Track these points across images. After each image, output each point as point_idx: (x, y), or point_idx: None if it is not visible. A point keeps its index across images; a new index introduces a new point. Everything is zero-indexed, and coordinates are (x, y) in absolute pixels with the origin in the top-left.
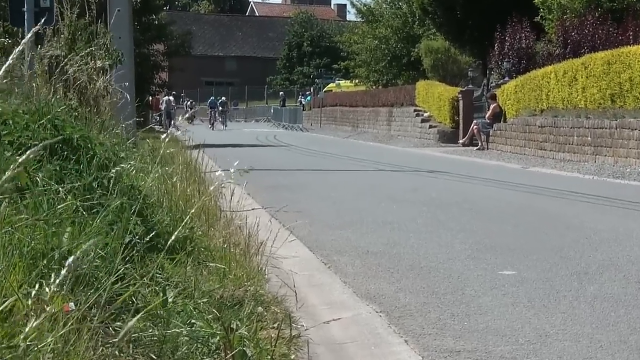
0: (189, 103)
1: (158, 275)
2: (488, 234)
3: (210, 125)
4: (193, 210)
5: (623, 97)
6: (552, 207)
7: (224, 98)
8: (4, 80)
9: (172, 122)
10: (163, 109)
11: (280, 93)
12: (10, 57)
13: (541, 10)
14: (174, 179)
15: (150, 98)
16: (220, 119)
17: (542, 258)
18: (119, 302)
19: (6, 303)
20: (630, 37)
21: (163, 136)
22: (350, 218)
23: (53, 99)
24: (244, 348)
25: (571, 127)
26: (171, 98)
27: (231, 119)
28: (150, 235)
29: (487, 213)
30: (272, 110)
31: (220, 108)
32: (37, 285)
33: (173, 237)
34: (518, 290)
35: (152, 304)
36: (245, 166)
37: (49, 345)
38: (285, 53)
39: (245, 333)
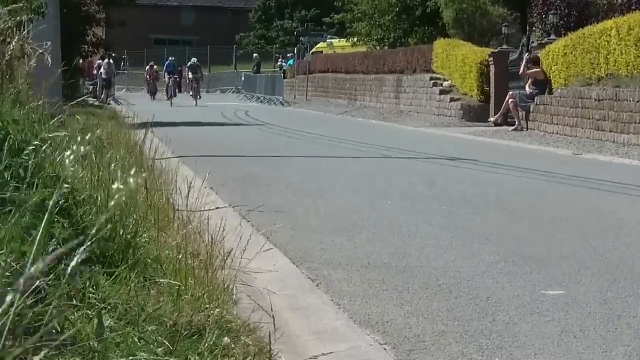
0: (149, 69)
1: (92, 295)
2: (527, 241)
3: (167, 98)
4: (137, 209)
5: None
6: (611, 206)
7: (194, 60)
8: None
9: (111, 93)
10: (99, 75)
11: (254, 55)
12: None
13: None
14: (113, 168)
15: (82, 61)
16: (190, 91)
17: (598, 273)
18: (40, 332)
19: None
20: None
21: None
22: (346, 220)
23: None
24: None
25: (638, 101)
26: (111, 62)
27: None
28: (81, 241)
29: (527, 214)
30: (242, 78)
31: (190, 74)
32: None
33: (112, 246)
34: (567, 316)
35: (84, 334)
36: (207, 151)
37: None
38: (260, 2)
39: None
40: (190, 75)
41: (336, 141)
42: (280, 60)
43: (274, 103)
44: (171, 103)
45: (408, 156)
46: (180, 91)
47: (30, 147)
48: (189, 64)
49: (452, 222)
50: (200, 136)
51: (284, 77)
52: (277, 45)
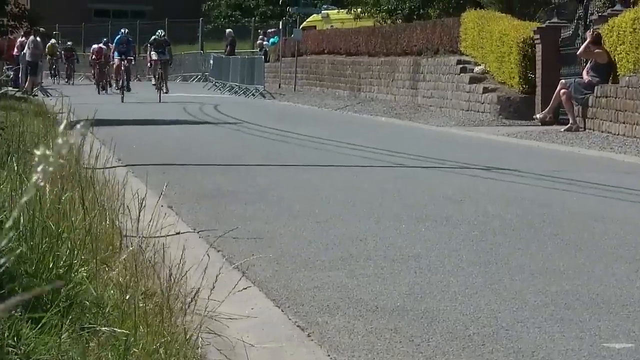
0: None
1: (11, 348)
2: (585, 278)
3: (118, 88)
4: (72, 236)
5: None
6: None
7: (161, 33)
8: None
9: (38, 81)
10: (22, 57)
11: (227, 32)
12: None
13: None
14: (38, 180)
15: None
16: (152, 79)
17: None
18: None
19: None
20: None
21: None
22: (347, 250)
23: None
24: None
25: None
26: (38, 39)
27: (140, 76)
28: None
29: (583, 242)
30: (211, 62)
31: (153, 55)
32: None
33: (38, 281)
34: None
35: None
36: (165, 158)
37: None
38: None
39: None
40: (155, 57)
41: (333, 145)
42: (260, 37)
43: (253, 94)
44: (123, 97)
45: (428, 165)
46: (130, 79)
47: None
48: (152, 38)
49: (486, 252)
50: (155, 139)
51: (266, 61)
52: (256, 18)
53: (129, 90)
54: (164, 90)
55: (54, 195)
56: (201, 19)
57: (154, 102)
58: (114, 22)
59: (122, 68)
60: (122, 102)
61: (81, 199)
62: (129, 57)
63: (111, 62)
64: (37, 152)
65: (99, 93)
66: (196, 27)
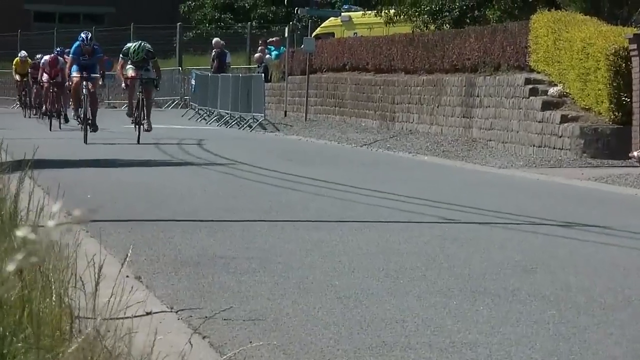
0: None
1: None
2: None
3: (78, 122)
4: (5, 316)
5: None
6: None
7: (142, 44)
8: None
9: None
10: None
11: (214, 41)
12: None
13: None
14: None
15: None
16: (130, 107)
17: None
18: None
19: None
20: None
21: None
22: (377, 335)
23: None
24: None
25: None
26: None
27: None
28: None
29: None
30: (192, 82)
31: (130, 72)
32: None
33: None
34: None
35: None
36: (131, 211)
37: None
38: None
39: None
40: (132, 72)
41: (358, 194)
42: (259, 49)
43: (250, 126)
44: (86, 136)
45: (487, 221)
46: (96, 110)
47: None
48: (128, 47)
49: (567, 339)
50: (119, 186)
51: (267, 80)
52: (254, 23)
53: (94, 128)
54: (145, 127)
55: None
56: (179, 24)
57: (131, 142)
58: (60, 27)
59: (85, 91)
60: (85, 143)
61: (16, 263)
62: (92, 75)
63: (67, 82)
64: None
65: (51, 127)
66: (172, 36)
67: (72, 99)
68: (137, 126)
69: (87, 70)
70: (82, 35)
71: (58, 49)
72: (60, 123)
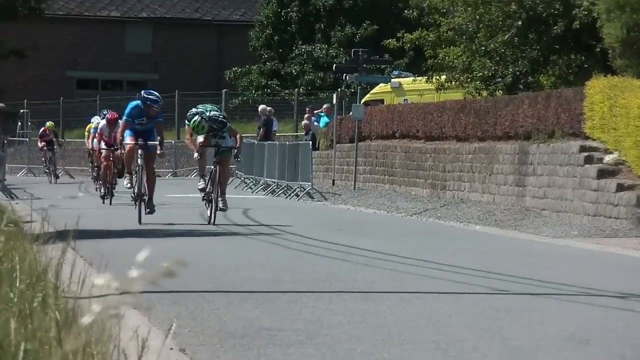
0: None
1: None
2: None
3: (132, 198)
4: None
5: None
6: None
7: (208, 115)
8: None
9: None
10: None
11: (260, 108)
12: None
13: None
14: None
15: None
16: (201, 180)
17: None
18: None
19: None
20: None
21: None
22: None
23: None
24: None
25: None
26: None
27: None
28: None
29: None
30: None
31: (200, 138)
32: None
33: None
34: None
35: None
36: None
37: None
38: (270, 12)
39: None
40: (202, 139)
41: (409, 264)
42: (306, 116)
43: (297, 195)
44: (140, 216)
45: (541, 292)
46: (153, 185)
47: None
48: (192, 123)
49: None
50: (162, 257)
51: (315, 148)
52: (301, 90)
53: (150, 209)
54: (220, 205)
55: (22, 337)
56: (225, 90)
57: (200, 224)
58: (103, 94)
59: (140, 162)
60: (140, 223)
61: (58, 340)
62: (150, 142)
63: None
64: None
65: (104, 202)
66: (218, 103)
67: (126, 168)
68: (208, 204)
69: (142, 136)
70: (145, 94)
71: (105, 114)
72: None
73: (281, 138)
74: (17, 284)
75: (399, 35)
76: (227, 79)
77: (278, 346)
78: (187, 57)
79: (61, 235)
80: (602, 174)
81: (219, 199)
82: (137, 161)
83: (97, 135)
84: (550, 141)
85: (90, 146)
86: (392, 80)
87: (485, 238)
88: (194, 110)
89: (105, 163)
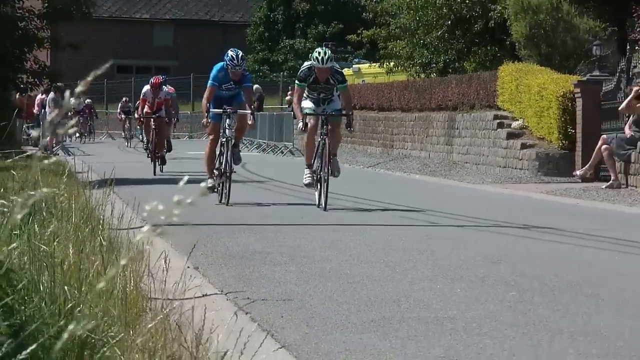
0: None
1: None
2: (629, 340)
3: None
4: (95, 293)
5: None
6: None
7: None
8: None
9: (59, 140)
10: (42, 115)
11: (255, 87)
12: None
13: None
14: (62, 242)
15: (19, 96)
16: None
17: None
18: None
19: None
20: None
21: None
22: (378, 311)
23: None
24: None
25: None
26: (58, 97)
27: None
28: (21, 347)
29: (628, 303)
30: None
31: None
32: None
33: (59, 345)
34: None
35: None
36: (191, 217)
37: None
38: (262, 15)
39: None
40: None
41: (365, 204)
42: (289, 93)
43: (282, 152)
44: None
45: (463, 224)
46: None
47: None
48: (314, 53)
49: (524, 314)
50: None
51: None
52: (284, 74)
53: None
54: (334, 174)
55: (78, 258)
56: None
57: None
58: (137, 77)
59: (227, 133)
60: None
61: (103, 260)
62: (240, 110)
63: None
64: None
65: (155, 173)
66: None
67: (206, 154)
68: (318, 184)
69: (228, 104)
70: (231, 53)
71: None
72: (160, 167)
73: (270, 109)
74: (73, 220)
75: (358, 32)
76: None
77: (268, 265)
78: (200, 48)
79: (104, 183)
80: (510, 136)
81: (325, 172)
82: (225, 132)
83: (140, 100)
84: (472, 112)
85: (138, 113)
86: (353, 66)
87: (423, 184)
88: (307, 64)
89: (147, 129)
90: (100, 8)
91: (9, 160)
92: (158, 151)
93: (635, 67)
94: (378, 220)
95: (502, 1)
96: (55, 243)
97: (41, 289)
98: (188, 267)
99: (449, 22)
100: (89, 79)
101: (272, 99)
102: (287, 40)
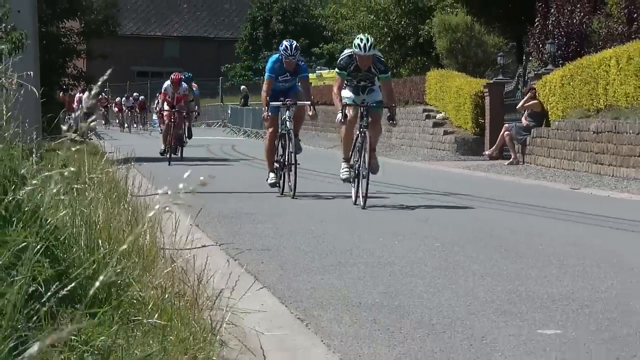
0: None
1: (74, 337)
2: (524, 279)
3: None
4: (122, 248)
5: None
6: (611, 243)
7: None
8: None
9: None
10: (80, 109)
11: (242, 88)
12: None
13: None
14: (95, 206)
15: (62, 94)
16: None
17: (597, 312)
18: None
19: None
20: None
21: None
22: (336, 258)
23: None
24: None
25: (638, 134)
26: (86, 95)
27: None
28: (64, 283)
29: (523, 252)
30: (229, 112)
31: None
32: None
33: (96, 285)
34: (564, 356)
35: None
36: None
37: None
38: (247, 32)
39: None
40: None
41: (324, 176)
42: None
43: (262, 137)
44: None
45: (400, 192)
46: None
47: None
48: (356, 40)
49: (446, 260)
50: (183, 173)
51: None
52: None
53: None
54: (373, 170)
55: (108, 217)
56: (221, 77)
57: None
58: (152, 80)
59: (287, 125)
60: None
61: (127, 219)
62: (298, 102)
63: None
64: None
65: (169, 163)
66: (217, 85)
67: (266, 147)
68: (354, 180)
69: (285, 96)
70: (285, 43)
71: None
72: (180, 152)
73: (254, 105)
74: (103, 190)
75: (320, 46)
76: (223, 71)
77: (252, 223)
78: (200, 59)
79: (127, 161)
80: (435, 125)
81: (365, 168)
82: (285, 124)
83: (161, 95)
84: (406, 106)
85: (158, 107)
86: (317, 71)
87: None
88: (347, 51)
89: (167, 122)
90: (124, 27)
91: (55, 142)
92: (172, 142)
93: (529, 72)
94: (335, 190)
95: (429, 22)
96: (91, 207)
97: (80, 242)
98: (191, 224)
99: (389, 39)
100: (99, 83)
101: (256, 96)
102: (266, 52)
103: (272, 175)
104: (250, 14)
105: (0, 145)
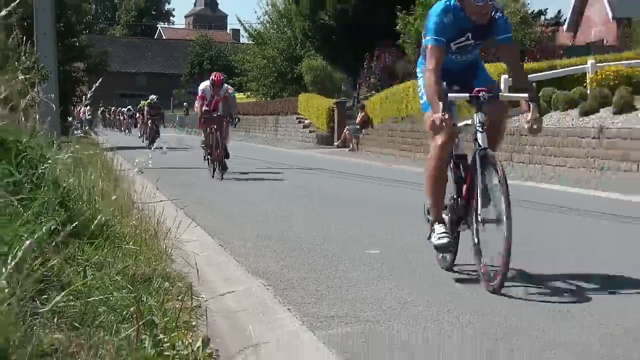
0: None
1: (79, 257)
2: (358, 220)
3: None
4: (113, 198)
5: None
6: (406, 197)
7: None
8: None
9: (92, 129)
10: (84, 117)
11: (185, 104)
12: None
13: (402, 36)
14: (93, 177)
15: (72, 108)
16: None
17: (400, 238)
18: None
19: None
20: None
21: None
22: (247, 211)
23: None
24: (153, 317)
25: (421, 131)
26: (87, 108)
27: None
28: (73, 223)
29: (357, 203)
30: (177, 118)
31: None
32: None
33: (93, 225)
34: (382, 266)
35: (75, 281)
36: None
37: None
38: (188, 70)
39: (154, 304)
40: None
41: (237, 158)
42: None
43: (196, 133)
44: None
45: (284, 168)
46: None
47: (42, 164)
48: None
49: (311, 210)
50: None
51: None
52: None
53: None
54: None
55: (101, 184)
56: (172, 97)
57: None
58: (129, 99)
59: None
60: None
61: (113, 185)
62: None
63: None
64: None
65: (213, 175)
66: (169, 101)
67: (431, 174)
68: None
69: (464, 84)
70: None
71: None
72: (221, 174)
73: (192, 114)
74: (99, 172)
75: (234, 78)
76: (173, 93)
77: (192, 188)
78: (159, 85)
79: (112, 149)
80: (305, 127)
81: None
82: (477, 140)
83: (199, 97)
84: (286, 116)
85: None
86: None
87: (264, 149)
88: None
89: (207, 131)
90: (111, 66)
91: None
92: (219, 154)
93: (361, 95)
94: (244, 167)
95: (300, 65)
96: (91, 177)
97: (83, 198)
98: (154, 188)
99: (275, 74)
100: (88, 100)
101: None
102: (200, 82)
103: (440, 229)
104: (190, 59)
105: (35, 139)
